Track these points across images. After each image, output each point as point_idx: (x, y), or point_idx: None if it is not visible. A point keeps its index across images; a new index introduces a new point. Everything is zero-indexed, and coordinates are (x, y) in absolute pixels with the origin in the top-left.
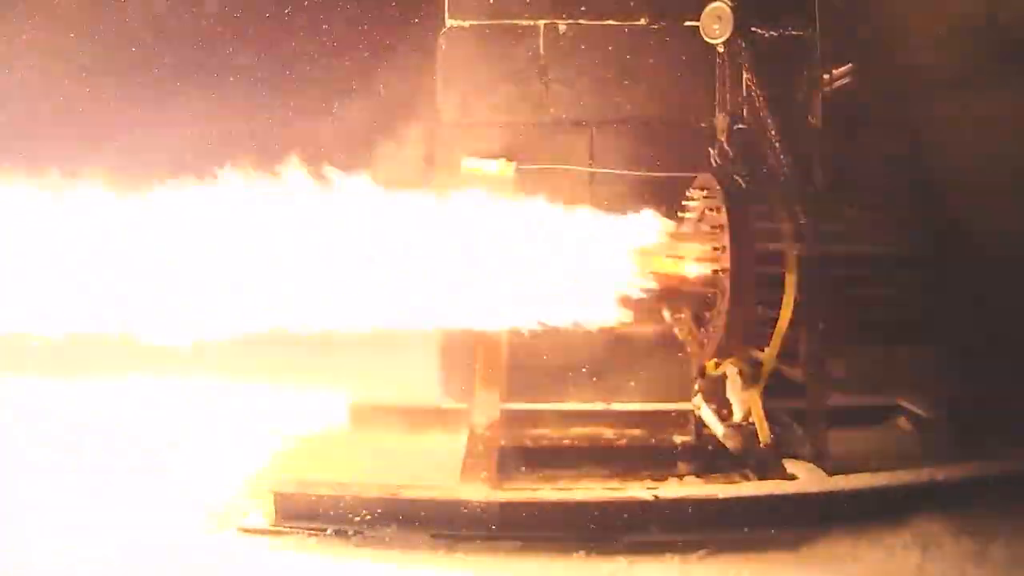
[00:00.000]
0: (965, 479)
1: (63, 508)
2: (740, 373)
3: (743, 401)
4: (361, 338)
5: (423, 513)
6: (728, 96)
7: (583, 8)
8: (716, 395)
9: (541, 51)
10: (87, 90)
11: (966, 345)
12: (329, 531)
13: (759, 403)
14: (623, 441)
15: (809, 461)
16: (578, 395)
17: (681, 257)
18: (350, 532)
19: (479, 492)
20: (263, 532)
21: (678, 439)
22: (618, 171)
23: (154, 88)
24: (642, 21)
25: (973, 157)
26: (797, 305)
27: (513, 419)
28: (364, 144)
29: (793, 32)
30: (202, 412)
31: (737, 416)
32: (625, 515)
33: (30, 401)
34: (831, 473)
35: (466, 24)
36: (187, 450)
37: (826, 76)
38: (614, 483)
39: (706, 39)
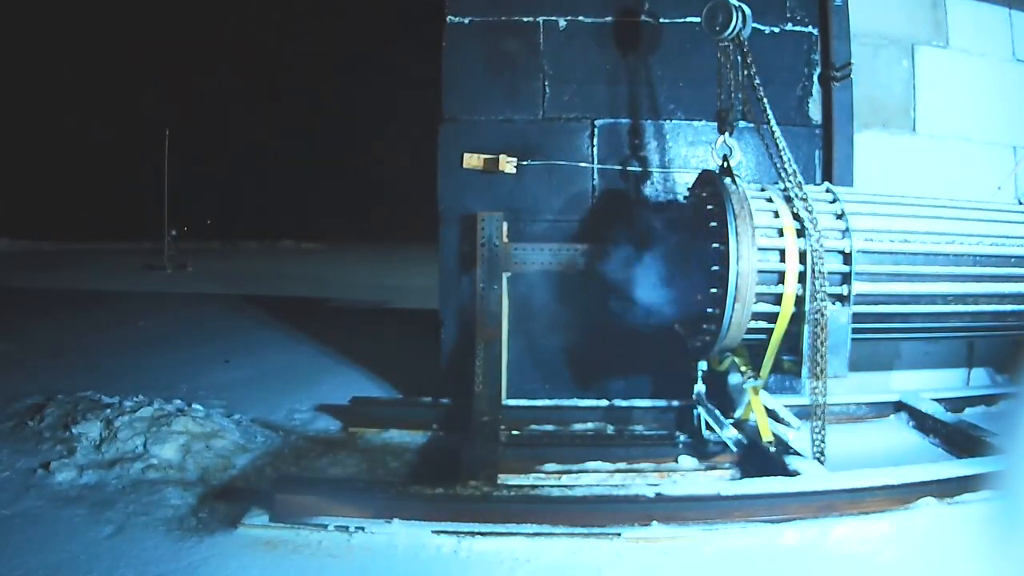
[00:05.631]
0: (965, 476)
1: None
2: (742, 370)
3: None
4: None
5: (425, 509)
6: (730, 92)
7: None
8: (718, 392)
9: (541, 47)
10: None
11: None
12: (331, 527)
13: (760, 400)
14: (625, 437)
15: (810, 458)
16: (580, 391)
17: None
18: (351, 529)
19: (481, 488)
20: (264, 529)
21: (680, 436)
22: (618, 166)
23: None
24: (643, 17)
25: None
26: (798, 301)
27: (515, 415)
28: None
29: (795, 28)
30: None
31: (739, 413)
32: (627, 511)
33: None
34: (832, 470)
35: (466, 20)
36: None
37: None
38: (616, 479)
39: (708, 35)
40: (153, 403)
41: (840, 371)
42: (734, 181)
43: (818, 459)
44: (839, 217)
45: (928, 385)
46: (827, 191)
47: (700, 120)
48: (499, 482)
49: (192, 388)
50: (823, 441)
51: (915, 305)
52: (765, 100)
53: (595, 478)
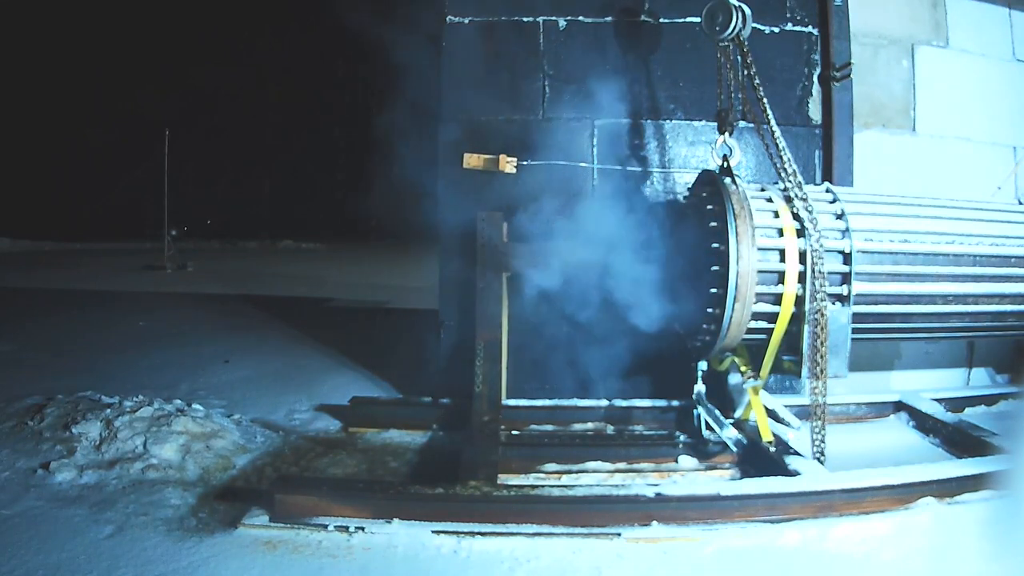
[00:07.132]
0: (965, 476)
1: None
2: (742, 370)
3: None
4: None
5: (425, 509)
6: (729, 92)
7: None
8: (718, 392)
9: (541, 47)
10: None
11: None
12: (331, 528)
13: (760, 400)
14: (625, 437)
15: (810, 458)
16: (580, 391)
17: None
18: (351, 529)
19: (481, 488)
20: (264, 529)
21: (680, 436)
22: (618, 166)
23: None
24: (642, 17)
25: None
26: (798, 301)
27: (515, 415)
28: None
29: (795, 28)
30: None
31: (739, 413)
32: (627, 511)
33: None
34: (832, 470)
35: (466, 20)
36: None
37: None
38: (616, 479)
39: (707, 35)
40: (153, 403)
41: (840, 371)
42: (734, 181)
43: (818, 459)
44: (839, 217)
45: (928, 385)
46: (827, 191)
47: (700, 120)
48: (499, 482)
49: (192, 388)
50: (823, 441)
51: (915, 305)
52: (765, 100)
53: (595, 478)
